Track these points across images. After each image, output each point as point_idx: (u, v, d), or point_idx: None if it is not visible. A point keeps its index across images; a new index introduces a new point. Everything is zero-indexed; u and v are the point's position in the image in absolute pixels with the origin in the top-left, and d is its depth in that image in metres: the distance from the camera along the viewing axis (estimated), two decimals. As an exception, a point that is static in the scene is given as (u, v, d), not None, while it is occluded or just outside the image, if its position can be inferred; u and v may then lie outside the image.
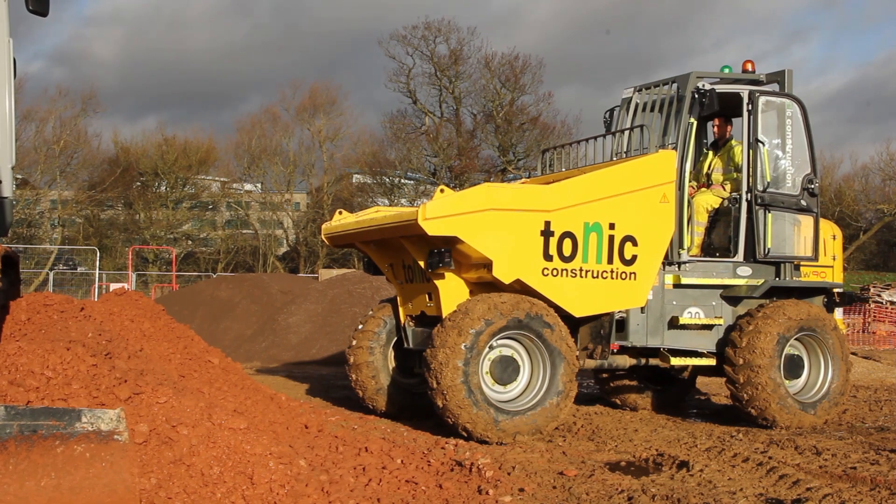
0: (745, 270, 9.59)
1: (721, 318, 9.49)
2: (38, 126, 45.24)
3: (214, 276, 35.16)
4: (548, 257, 8.50)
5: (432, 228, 8.06)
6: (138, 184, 50.72)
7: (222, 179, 54.29)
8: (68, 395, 4.84)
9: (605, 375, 10.87)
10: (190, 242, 51.93)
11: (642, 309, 9.15)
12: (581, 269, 8.64)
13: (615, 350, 9.20)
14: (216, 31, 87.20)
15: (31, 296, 7.42)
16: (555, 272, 8.54)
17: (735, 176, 9.91)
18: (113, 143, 51.80)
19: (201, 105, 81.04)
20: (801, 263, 9.90)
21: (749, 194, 9.52)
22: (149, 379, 5.57)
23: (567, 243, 8.58)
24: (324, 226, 10.29)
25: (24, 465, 3.67)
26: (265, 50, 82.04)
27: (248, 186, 53.92)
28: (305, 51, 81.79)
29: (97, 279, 34.17)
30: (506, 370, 8.37)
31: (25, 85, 46.41)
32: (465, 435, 8.02)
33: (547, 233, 8.49)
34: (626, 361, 9.33)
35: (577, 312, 8.74)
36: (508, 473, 6.58)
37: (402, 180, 49.91)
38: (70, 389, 4.89)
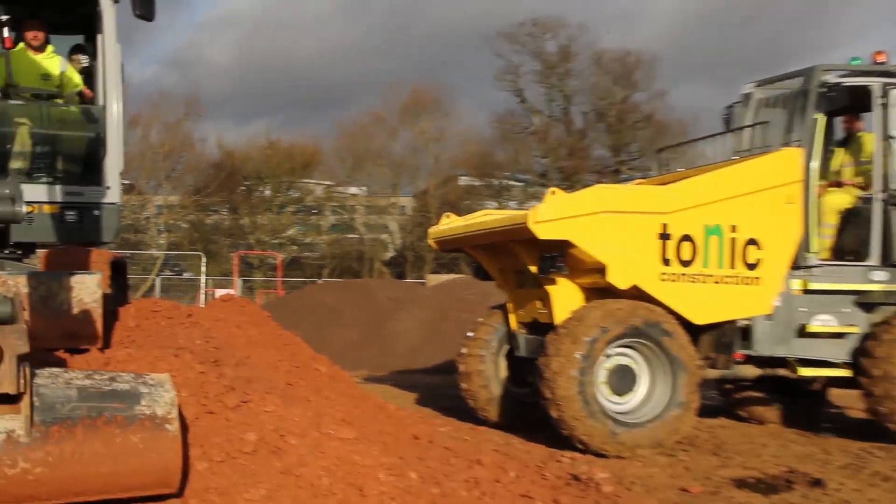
0: (881, 275, 9.25)
1: (855, 325, 9.17)
2: (143, 131, 46.66)
3: (320, 282, 35.64)
4: (666, 262, 8.38)
5: (543, 232, 8.03)
6: (243, 188, 51.69)
7: (327, 183, 54.90)
8: (180, 402, 4.94)
9: (729, 386, 10.63)
10: (295, 247, 52.69)
11: (768, 316, 8.91)
12: (701, 274, 8.49)
13: (739, 359, 8.99)
14: (327, 33, 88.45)
15: (139, 302, 7.62)
16: (673, 277, 8.41)
17: (867, 169, 9.56)
18: (218, 147, 53.08)
19: (310, 108, 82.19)
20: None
21: (883, 193, 9.20)
22: (256, 387, 5.66)
23: (686, 247, 8.44)
24: (431, 230, 10.33)
25: (87, 454, 3.94)
26: (375, 51, 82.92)
27: (352, 190, 54.40)
28: (414, 51, 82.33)
29: (203, 285, 34.97)
30: (623, 380, 8.27)
31: (132, 90, 47.97)
32: (582, 448, 7.95)
33: (664, 236, 8.37)
34: (751, 372, 9.12)
35: (698, 320, 8.58)
36: (628, 489, 6.49)
37: (511, 182, 49.79)
38: (181, 397, 4.98)
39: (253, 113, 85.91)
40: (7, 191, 3.90)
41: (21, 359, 3.72)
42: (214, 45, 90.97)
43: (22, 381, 3.74)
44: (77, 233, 8.36)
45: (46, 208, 8.17)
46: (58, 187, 8.27)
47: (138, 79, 76.25)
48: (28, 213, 7.66)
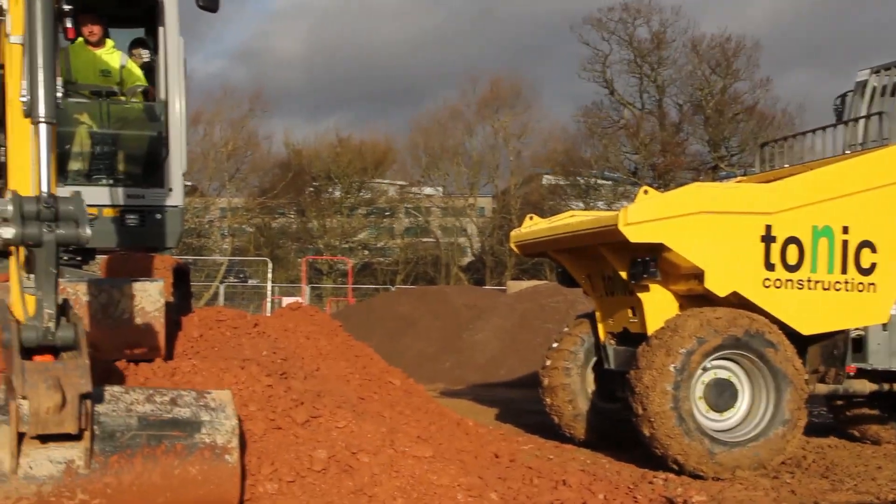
0: None
1: (983, 336, 8.95)
2: (206, 129, 47.30)
3: (393, 290, 35.85)
4: (769, 266, 8.26)
5: (635, 235, 7.97)
6: (311, 189, 52.06)
7: (400, 183, 55.05)
8: (246, 417, 5.02)
9: (839, 403, 10.42)
10: (366, 252, 52.95)
11: (884, 326, 8.74)
12: (809, 280, 8.36)
13: (851, 373, 8.82)
14: (404, 22, 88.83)
15: (203, 310, 7.75)
16: (778, 283, 8.29)
17: None
18: (284, 145, 53.55)
19: (384, 103, 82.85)
20: None
21: None
22: (327, 401, 5.72)
23: (792, 250, 8.31)
24: (513, 233, 10.32)
25: (146, 486, 4.11)
26: (453, 41, 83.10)
27: (428, 190, 54.47)
28: (493, 40, 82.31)
29: (269, 292, 35.32)
30: (722, 395, 8.17)
31: (194, 85, 48.53)
32: (676, 468, 7.87)
33: (768, 238, 8.25)
34: (864, 387, 8.94)
35: (805, 330, 8.45)
36: (727, 514, 6.42)
37: (599, 181, 49.45)
38: (248, 411, 5.07)
39: (324, 109, 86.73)
40: (70, 208, 4.00)
41: (83, 397, 3.87)
42: (284, 37, 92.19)
43: (83, 419, 3.87)
44: (138, 237, 8.52)
45: (107, 212, 8.33)
46: (118, 189, 8.43)
47: (202, 73, 77.57)
48: (92, 218, 7.82)
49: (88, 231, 4.05)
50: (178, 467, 4.20)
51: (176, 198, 8.71)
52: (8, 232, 3.88)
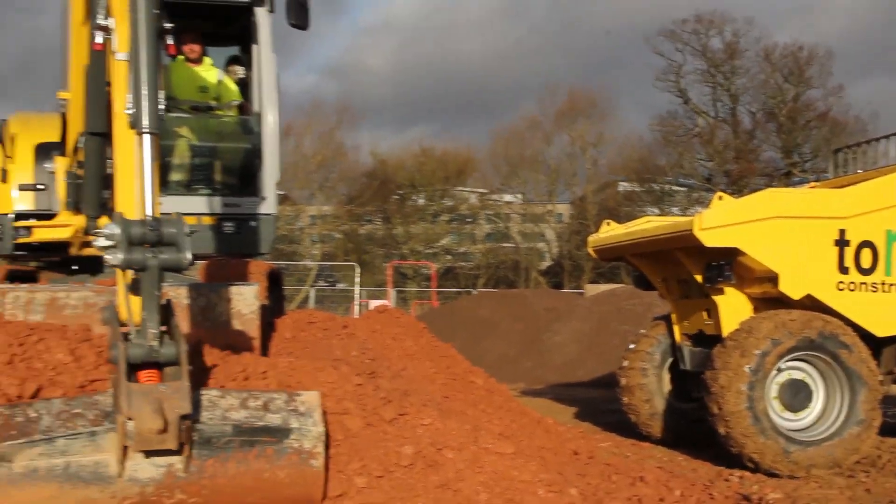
0: None
1: None
2: (296, 140, 47.87)
3: (475, 293, 35.85)
4: (843, 270, 8.13)
5: (710, 239, 7.90)
6: (396, 197, 52.38)
7: (481, 190, 55.13)
8: (343, 412, 5.07)
9: (914, 404, 10.23)
10: (449, 257, 53.07)
11: (958, 328, 8.53)
12: (883, 284, 8.20)
13: (926, 375, 8.65)
14: (486, 37, 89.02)
15: (296, 313, 7.84)
16: (852, 286, 8.15)
17: None
18: (370, 155, 54.00)
19: (467, 114, 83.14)
20: None
21: None
22: (413, 399, 5.75)
23: (866, 254, 8.17)
24: (590, 238, 10.28)
25: (238, 488, 4.30)
26: (532, 55, 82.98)
27: (507, 197, 54.44)
28: (570, 53, 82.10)
29: (357, 296, 35.59)
30: (796, 395, 8.06)
31: (285, 99, 49.26)
32: (752, 466, 7.77)
33: (842, 242, 8.12)
34: (939, 388, 8.75)
35: (880, 332, 8.29)
36: (802, 511, 6.32)
37: (674, 187, 48.94)
38: (343, 406, 5.12)
39: (410, 120, 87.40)
40: (173, 230, 4.11)
41: (184, 418, 4.02)
42: (374, 52, 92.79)
43: (183, 435, 4.04)
44: (235, 244, 8.65)
45: (205, 220, 8.47)
46: (216, 199, 8.57)
47: (296, 88, 78.63)
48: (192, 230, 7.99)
49: (189, 255, 4.18)
50: (268, 471, 4.34)
51: (269, 206, 8.83)
52: (115, 259, 4.02)
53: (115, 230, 4.03)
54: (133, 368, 4.14)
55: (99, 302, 5.76)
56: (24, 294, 5.75)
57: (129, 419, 3.92)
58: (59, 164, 7.47)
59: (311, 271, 44.68)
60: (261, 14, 8.64)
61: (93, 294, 5.80)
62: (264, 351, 6.30)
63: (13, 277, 8.30)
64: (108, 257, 4.04)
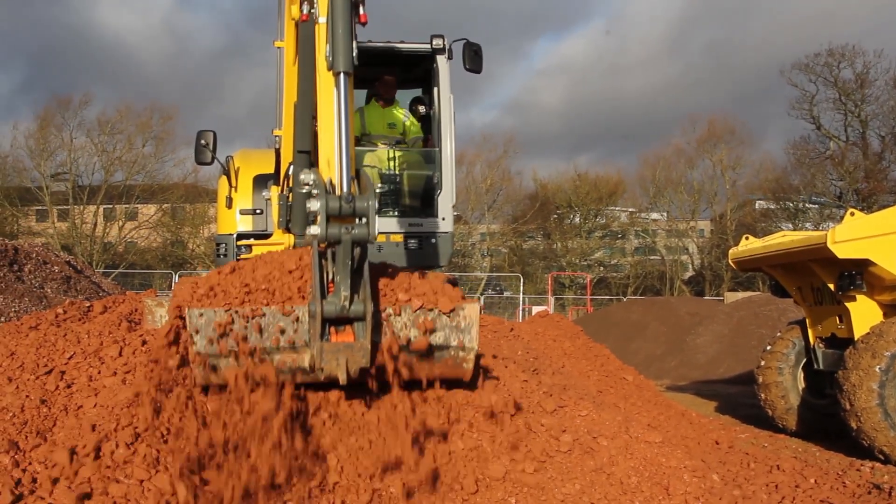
0: None
1: None
2: (468, 168, 48.46)
3: (625, 300, 35.37)
4: (969, 278, 7.66)
5: (843, 252, 7.61)
6: (555, 216, 52.44)
7: (630, 210, 54.66)
8: (509, 407, 5.09)
9: None
10: (602, 268, 52.69)
11: None
12: None
13: None
14: (647, 75, 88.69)
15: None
16: (978, 294, 7.68)
17: None
18: (532, 180, 54.23)
19: (624, 142, 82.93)
20: None
21: None
22: (571, 393, 5.72)
23: None
24: (731, 251, 10.06)
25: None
26: (684, 89, 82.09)
27: (654, 215, 53.86)
28: (713, 86, 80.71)
29: (521, 302, 35.67)
30: (925, 394, 7.63)
31: (460, 131, 50.06)
32: (882, 458, 7.40)
33: (965, 253, 7.66)
34: None
35: None
36: (931, 501, 5.97)
37: (807, 205, 47.22)
38: (510, 399, 5.13)
39: (576, 149, 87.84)
40: (365, 205, 4.19)
41: (362, 371, 4.18)
42: (547, 90, 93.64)
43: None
44: (418, 258, 8.81)
45: (393, 238, 8.65)
46: (403, 219, 8.75)
47: (480, 122, 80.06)
48: (379, 245, 8.17)
49: (376, 230, 4.25)
50: (427, 370, 4.53)
51: (447, 225, 8.99)
52: (315, 230, 4.12)
53: (317, 205, 4.14)
54: (328, 324, 4.26)
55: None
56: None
57: (321, 369, 4.15)
58: (273, 192, 7.73)
59: (482, 281, 45.01)
60: (440, 61, 8.84)
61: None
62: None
63: None
64: (309, 232, 4.15)
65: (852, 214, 7.82)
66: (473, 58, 8.66)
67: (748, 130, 67.71)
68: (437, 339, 4.49)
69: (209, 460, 4.17)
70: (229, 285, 4.51)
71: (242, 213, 8.36)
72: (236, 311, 4.21)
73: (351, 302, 4.22)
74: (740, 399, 12.43)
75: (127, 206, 46.96)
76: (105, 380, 4.59)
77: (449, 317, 4.52)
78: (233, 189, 8.37)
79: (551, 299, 36.94)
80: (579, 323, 18.36)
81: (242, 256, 8.00)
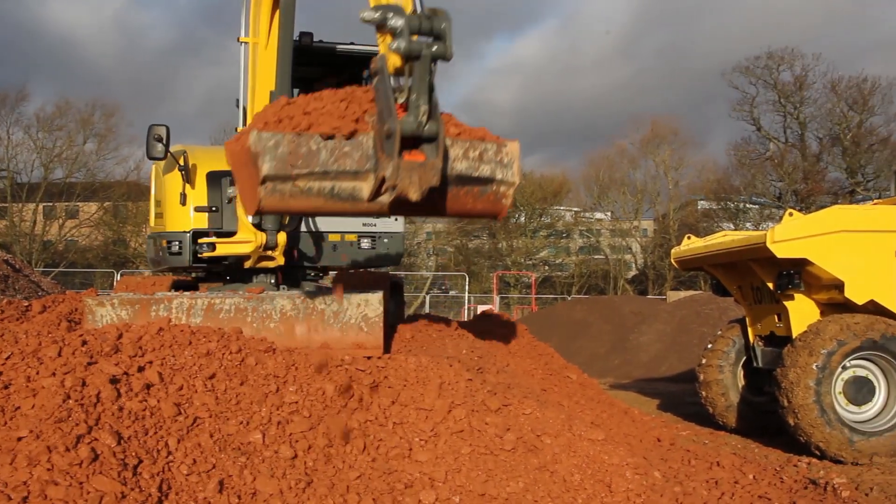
0: None
1: None
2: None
3: (570, 299, 35.65)
4: (903, 278, 7.86)
5: (782, 251, 7.75)
6: (500, 216, 52.64)
7: (575, 209, 55.09)
8: (453, 405, 5.11)
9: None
10: (547, 267, 53.08)
11: None
12: (940, 290, 7.90)
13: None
14: (597, 76, 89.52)
15: (414, 316, 7.92)
16: (912, 293, 7.88)
17: None
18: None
19: (574, 142, 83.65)
20: None
21: None
22: (515, 392, 5.75)
23: (924, 263, 7.88)
24: (673, 250, 10.18)
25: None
26: (631, 91, 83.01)
27: (598, 215, 54.33)
28: (656, 88, 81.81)
29: (466, 301, 35.77)
30: (860, 391, 7.81)
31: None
32: (818, 454, 7.57)
33: (902, 253, 7.86)
34: None
35: (939, 334, 7.99)
36: (866, 494, 6.11)
37: (748, 205, 48.05)
38: (454, 398, 5.15)
39: (527, 149, 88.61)
40: (442, 26, 4.34)
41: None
42: (501, 89, 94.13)
43: None
44: (373, 258, 8.86)
45: (347, 237, 8.63)
46: (356, 219, 8.72)
47: None
48: (333, 244, 8.17)
49: (452, 49, 4.40)
50: (471, 204, 4.79)
51: (398, 225, 9.05)
52: (399, 45, 4.26)
53: (399, 22, 4.26)
54: (403, 143, 4.36)
55: (248, 307, 5.90)
56: (187, 300, 5.92)
57: (393, 186, 4.30)
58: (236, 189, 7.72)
59: (427, 280, 45.03)
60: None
61: (243, 300, 5.94)
62: (387, 349, 6.37)
63: (177, 287, 8.56)
64: (391, 47, 4.30)
65: (791, 215, 7.96)
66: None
67: (691, 131, 68.82)
68: (484, 171, 4.70)
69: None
70: (293, 113, 4.55)
71: (198, 210, 8.22)
72: (303, 136, 4.31)
73: (428, 118, 4.35)
74: (682, 397, 12.60)
75: (67, 203, 46.13)
76: (43, 380, 4.51)
77: (495, 152, 4.71)
78: (187, 185, 8.20)
79: (496, 298, 37.09)
80: (524, 322, 18.44)
81: (206, 254, 7.91)
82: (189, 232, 8.15)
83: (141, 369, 4.80)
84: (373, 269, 9.20)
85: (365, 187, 4.41)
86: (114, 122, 48.44)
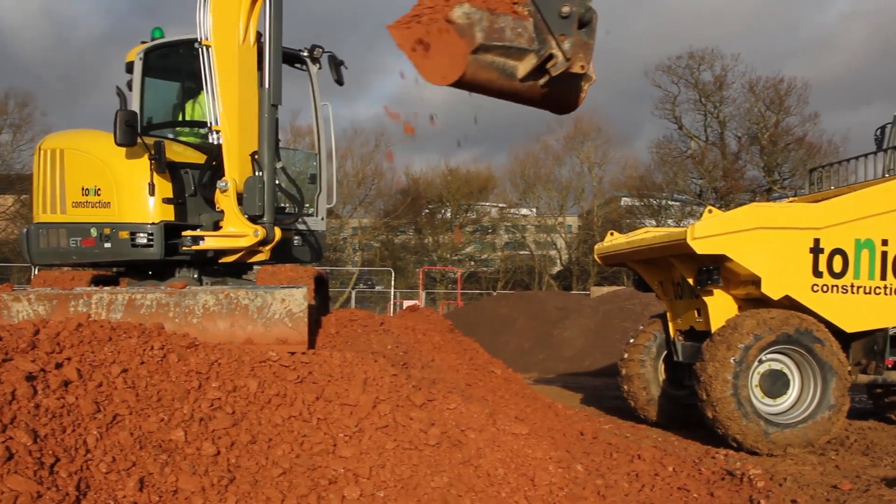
0: None
1: None
2: (340, 162, 48.04)
3: (495, 294, 35.82)
4: (817, 274, 8.09)
5: (701, 247, 7.89)
6: (426, 211, 52.60)
7: (500, 205, 55.29)
8: (377, 401, 5.10)
9: (879, 391, 10.12)
10: (472, 263, 53.22)
11: (919, 324, 8.46)
12: (852, 286, 8.15)
13: (890, 365, 8.57)
14: None
15: (339, 312, 7.88)
16: (825, 288, 8.11)
17: None
18: (405, 175, 54.27)
19: (501, 139, 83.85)
20: None
21: None
22: (440, 387, 5.77)
23: (837, 260, 8.12)
24: (596, 246, 10.30)
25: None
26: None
27: (523, 211, 54.62)
28: (597, 83, 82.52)
29: (392, 297, 35.72)
30: (775, 384, 8.02)
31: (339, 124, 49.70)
32: (735, 445, 7.75)
33: (816, 250, 8.09)
34: (901, 377, 8.66)
35: (849, 328, 8.24)
36: (780, 485, 6.29)
37: (669, 202, 48.85)
38: (379, 394, 5.14)
39: (450, 147, 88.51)
40: None
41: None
42: (430, 87, 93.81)
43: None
44: (300, 254, 8.88)
45: (278, 234, 8.60)
46: (284, 217, 8.73)
47: (364, 116, 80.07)
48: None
49: None
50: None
51: (321, 223, 9.12)
52: None
53: None
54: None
55: (170, 302, 5.82)
56: (107, 295, 5.81)
57: (566, 59, 4.59)
58: (232, 183, 7.66)
59: (353, 275, 44.82)
60: (312, 70, 9.05)
61: (165, 295, 5.85)
62: (312, 344, 6.33)
63: (97, 281, 8.37)
64: None
65: (710, 212, 8.12)
66: (338, 71, 9.01)
67: (615, 128, 69.64)
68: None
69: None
70: None
71: (166, 202, 8.03)
72: (493, 13, 4.50)
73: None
74: (605, 391, 12.78)
75: (-19, 196, 44.84)
76: (-45, 378, 4.38)
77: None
78: (157, 176, 7.99)
79: (422, 293, 37.11)
80: (449, 317, 18.48)
81: (192, 248, 7.79)
82: (160, 223, 7.97)
83: (59, 366, 4.68)
84: (298, 265, 9.14)
85: (521, 67, 4.67)
86: (28, 112, 47.17)
